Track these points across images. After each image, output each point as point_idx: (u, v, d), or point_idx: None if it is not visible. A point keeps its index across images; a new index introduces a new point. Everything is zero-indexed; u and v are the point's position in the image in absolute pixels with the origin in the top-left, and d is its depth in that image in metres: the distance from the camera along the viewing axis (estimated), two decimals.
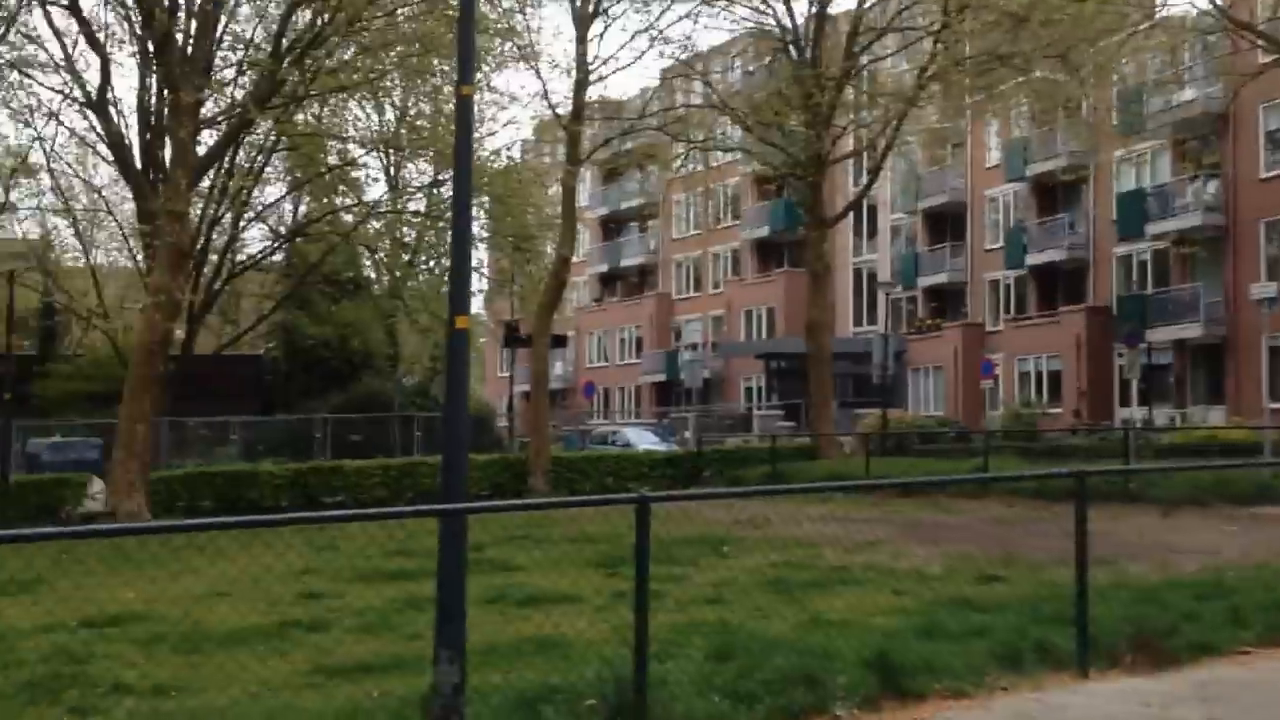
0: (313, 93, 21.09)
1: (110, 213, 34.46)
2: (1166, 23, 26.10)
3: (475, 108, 28.35)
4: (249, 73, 21.84)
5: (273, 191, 41.93)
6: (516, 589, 10.58)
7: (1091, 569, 10.24)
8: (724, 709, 6.05)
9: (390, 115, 30.52)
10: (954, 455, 27.53)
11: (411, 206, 29.87)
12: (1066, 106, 26.79)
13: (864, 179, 31.37)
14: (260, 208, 31.51)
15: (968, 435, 31.96)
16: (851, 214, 39.14)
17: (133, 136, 22.99)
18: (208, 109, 20.74)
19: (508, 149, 31.48)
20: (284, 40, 20.27)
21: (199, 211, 25.28)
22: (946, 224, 46.16)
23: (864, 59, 29.16)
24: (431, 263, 33.60)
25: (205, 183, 24.51)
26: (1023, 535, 12.41)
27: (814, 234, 28.77)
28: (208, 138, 21.26)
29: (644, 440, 36.42)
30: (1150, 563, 11.16)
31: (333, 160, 27.26)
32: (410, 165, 30.81)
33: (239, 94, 21.72)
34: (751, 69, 36.64)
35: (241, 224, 29.53)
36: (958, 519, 16.50)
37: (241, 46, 21.92)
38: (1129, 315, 35.69)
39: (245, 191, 26.90)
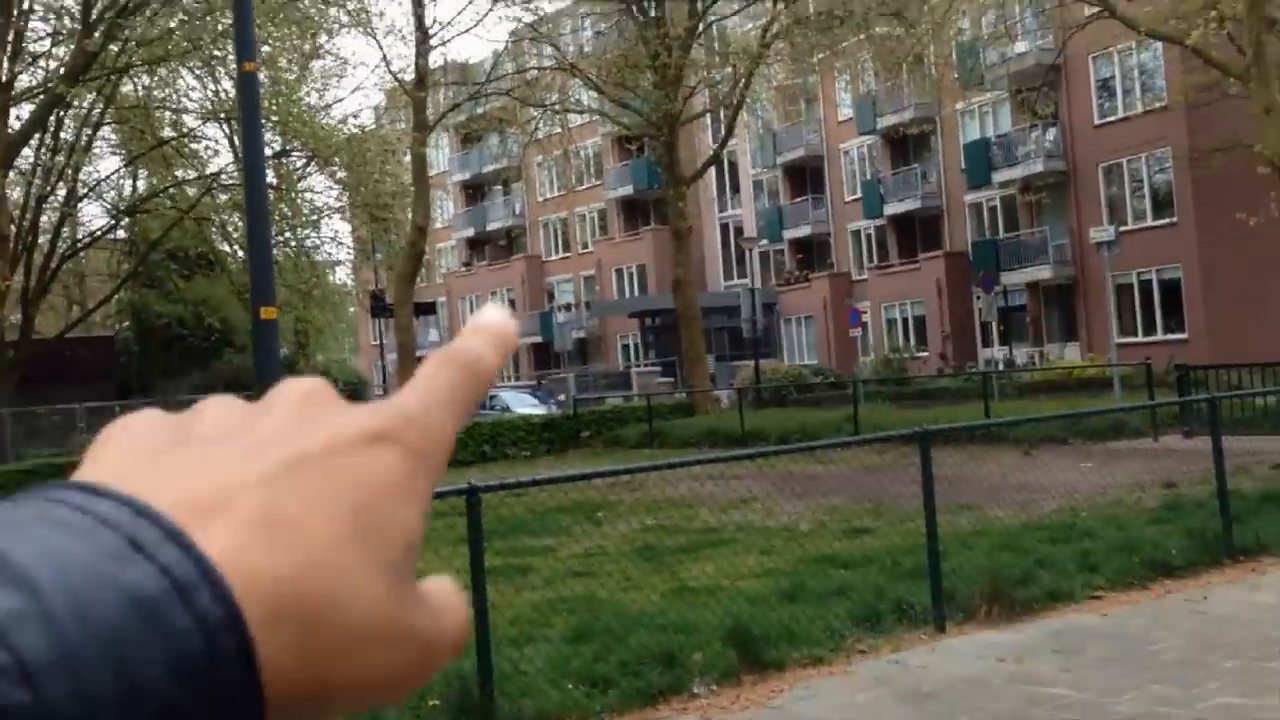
0: (136, 63, 19.96)
1: None
2: None
3: (307, 77, 27.43)
4: (64, 44, 20.61)
5: (107, 166, 39.97)
6: None
7: (954, 516, 10.41)
8: (577, 697, 5.84)
9: (227, 84, 29.26)
10: (829, 403, 27.87)
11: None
12: (908, 61, 27.15)
13: (722, 137, 31.33)
14: (94, 183, 29.99)
15: (841, 383, 32.42)
16: (713, 171, 39.17)
17: None
18: (23, 82, 19.48)
19: (355, 116, 30.57)
20: (93, 10, 19.08)
21: (24, 190, 23.85)
22: (806, 177, 46.65)
23: (709, 18, 29.04)
24: (287, 234, 32.49)
25: (30, 159, 23.11)
26: (892, 483, 12.47)
27: (673, 193, 28.63)
28: (25, 113, 19.99)
29: (522, 404, 36.02)
30: (1010, 506, 11.35)
31: (168, 132, 25.97)
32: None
33: (55, 66, 20.48)
34: (600, 30, 36.19)
35: (74, 201, 27.99)
36: (830, 469, 16.62)
37: (54, 16, 20.62)
38: (983, 260, 36.65)
39: (73, 168, 25.45)
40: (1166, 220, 33.19)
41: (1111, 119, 34.67)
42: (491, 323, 0.42)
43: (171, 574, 0.30)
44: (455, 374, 0.40)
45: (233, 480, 0.34)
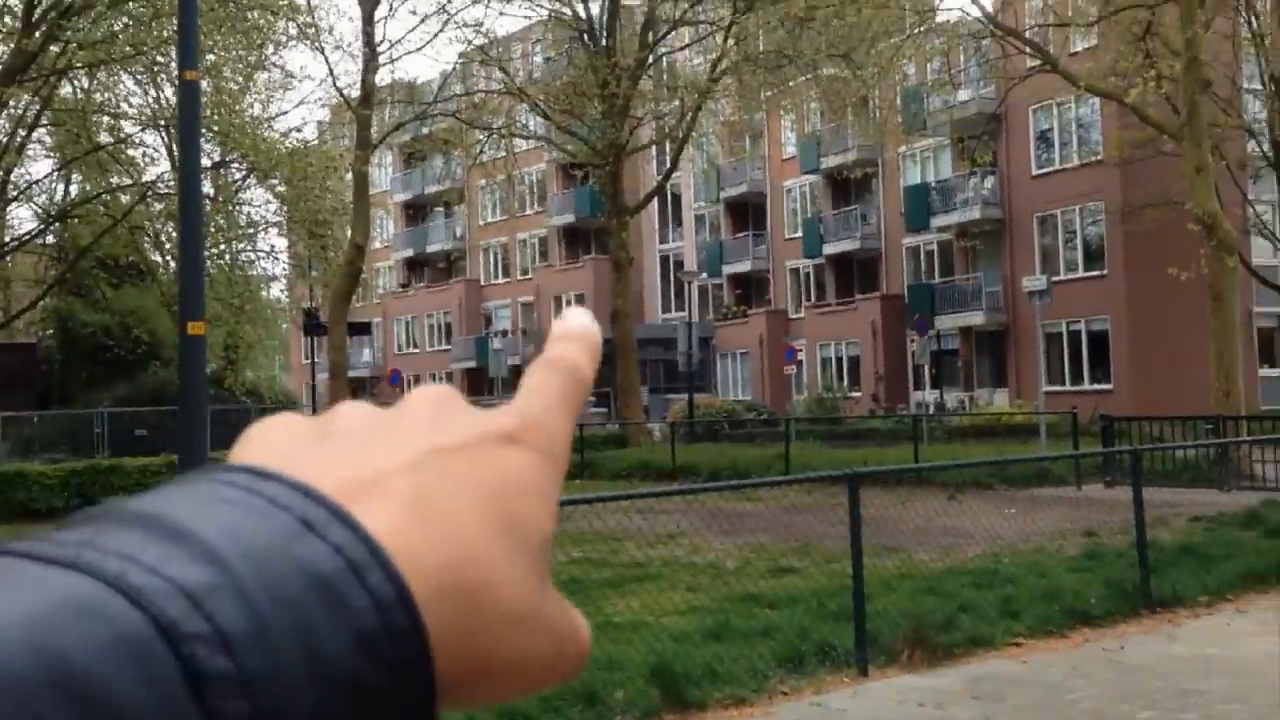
0: (76, 65, 19.59)
1: None
2: (941, 27, 27.16)
3: (251, 88, 27.14)
4: (2, 44, 20.17)
5: (39, 169, 39.18)
6: None
7: (880, 558, 10.47)
8: None
9: (169, 91, 28.83)
10: (761, 440, 27.99)
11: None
12: (853, 103, 27.61)
13: (666, 169, 31.51)
14: (25, 185, 29.32)
15: (774, 420, 32.58)
16: (656, 203, 39.34)
17: None
18: None
19: (298, 130, 30.28)
20: (36, 10, 18.72)
21: None
22: (748, 213, 47.04)
23: (659, 50, 29.29)
24: (221, 246, 32.00)
25: None
26: (819, 523, 12.51)
27: (615, 223, 28.72)
28: None
29: None
30: (935, 549, 11.44)
31: (105, 137, 25.50)
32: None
33: None
34: (550, 56, 36.31)
35: (3, 203, 27.35)
36: (759, 507, 16.67)
37: None
38: (919, 303, 37.19)
39: (3, 169, 24.88)
40: (1097, 272, 33.95)
41: (1048, 170, 35.47)
42: (580, 330, 0.43)
43: (344, 553, 0.31)
44: (563, 381, 0.41)
45: (383, 467, 0.35)
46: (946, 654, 7.30)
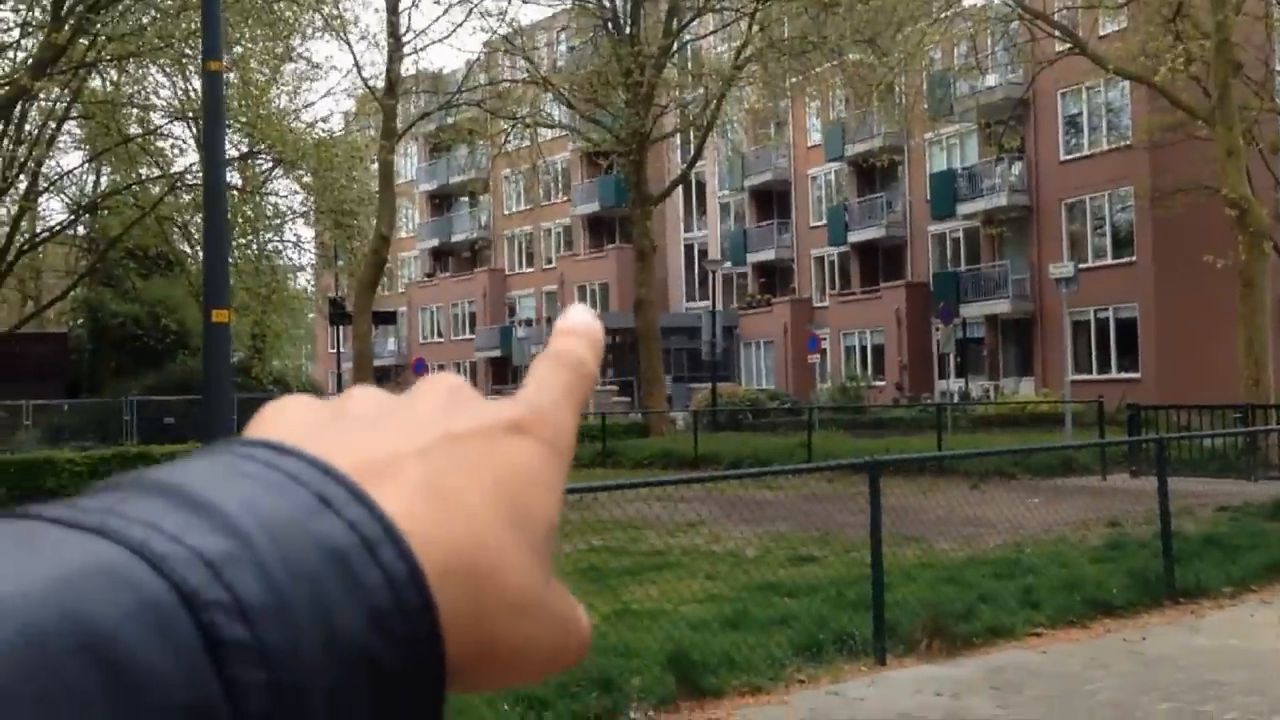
0: (105, 58, 19.74)
1: None
2: (968, 11, 26.93)
3: (278, 80, 27.26)
4: (32, 36, 20.34)
5: (69, 161, 39.52)
6: None
7: (900, 548, 10.44)
8: (513, 719, 5.77)
9: (197, 83, 28.98)
10: (784, 429, 27.94)
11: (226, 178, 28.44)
12: (879, 90, 27.44)
13: (690, 157, 31.45)
14: (56, 177, 29.58)
15: (797, 409, 32.51)
16: (680, 191, 39.31)
17: None
18: None
19: (324, 121, 30.42)
20: (64, 3, 18.85)
21: None
22: (773, 201, 46.88)
23: (684, 37, 29.19)
24: (249, 237, 32.18)
25: None
26: (839, 512, 12.51)
27: (639, 212, 28.67)
28: None
29: None
30: (956, 539, 11.40)
31: (134, 129, 25.68)
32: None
33: (23, 58, 20.19)
34: (574, 45, 36.27)
35: (34, 195, 27.60)
36: (780, 495, 16.65)
37: (24, 6, 20.35)
38: (944, 291, 36.95)
39: (35, 161, 25.11)
40: (1126, 259, 33.63)
41: (1076, 155, 35.12)
42: (584, 325, 0.43)
43: (359, 530, 0.32)
44: (568, 376, 0.41)
45: (395, 451, 0.35)
46: (965, 644, 7.27)
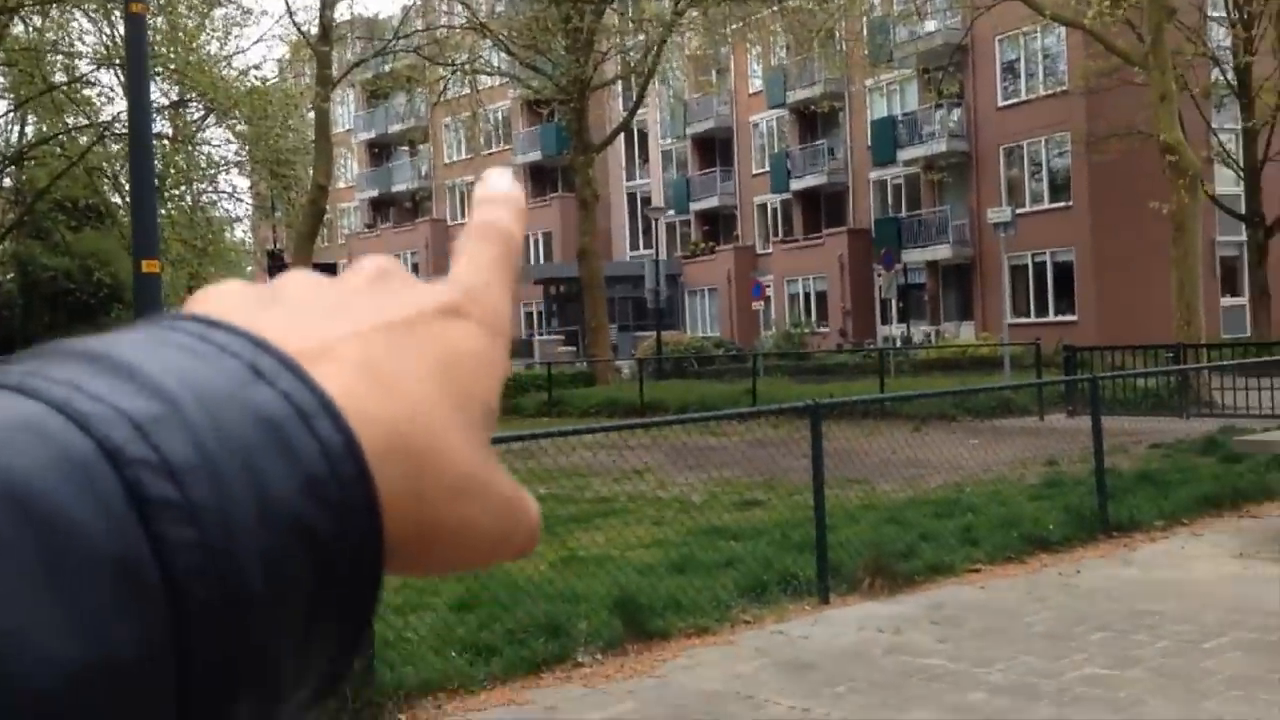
0: (27, 3, 19.10)
1: None
2: None
3: (208, 25, 26.60)
4: None
5: None
6: None
7: (844, 490, 10.58)
8: (461, 665, 5.80)
9: (123, 29, 28.17)
10: (729, 376, 28.07)
11: (155, 129, 27.78)
12: (820, 36, 27.37)
13: (632, 105, 31.23)
14: None
15: (742, 356, 32.70)
16: (622, 140, 39.03)
17: None
18: None
19: (257, 68, 29.77)
20: None
21: None
22: (715, 149, 46.79)
23: None
24: (182, 187, 31.52)
25: None
26: (784, 456, 12.62)
27: (581, 160, 28.46)
28: None
29: None
30: (898, 480, 11.57)
31: (60, 77, 24.97)
32: (152, 84, 28.62)
33: None
34: None
35: None
36: (725, 441, 16.77)
37: None
38: (885, 238, 37.25)
39: None
40: (1062, 204, 34.06)
41: (1014, 101, 35.39)
42: (505, 192, 0.42)
43: (292, 400, 0.31)
44: (497, 250, 0.40)
45: (330, 334, 0.35)
46: (907, 582, 7.41)
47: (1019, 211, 29.07)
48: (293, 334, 0.34)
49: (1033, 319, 33.67)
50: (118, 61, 25.81)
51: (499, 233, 0.41)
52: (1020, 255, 33.28)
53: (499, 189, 0.42)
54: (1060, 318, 33.40)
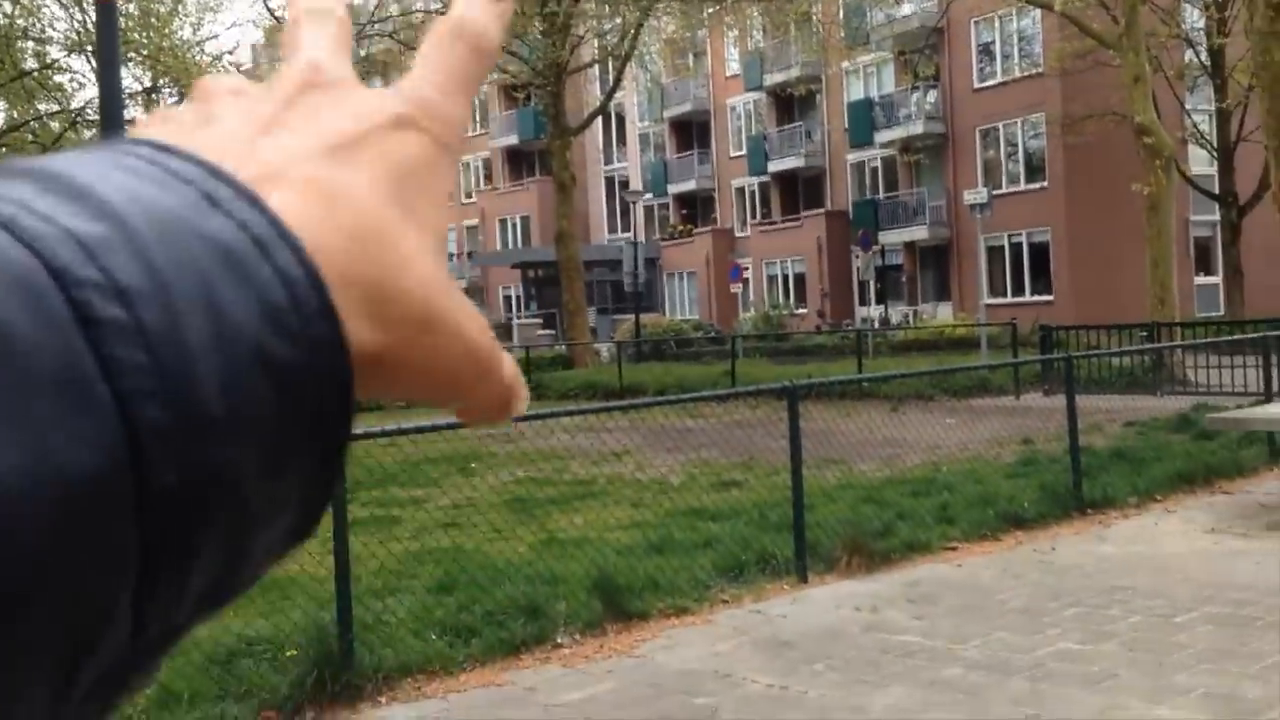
0: None
1: None
2: None
3: (180, 10, 26.38)
4: None
5: None
6: None
7: (822, 470, 10.64)
8: (440, 647, 5.82)
9: (94, 15, 27.89)
10: (708, 358, 28.13)
11: (126, 115, 27.53)
12: (796, 18, 27.36)
13: (609, 88, 31.15)
14: None
15: (720, 338, 32.75)
16: (600, 123, 38.94)
17: None
18: None
19: (230, 53, 29.53)
20: None
21: None
22: (693, 132, 46.74)
23: None
24: None
25: None
26: (763, 437, 12.69)
27: (558, 143, 28.38)
28: None
29: None
30: (876, 460, 11.64)
31: (30, 63, 24.74)
32: (123, 69, 28.36)
33: None
34: None
35: None
36: (703, 423, 16.82)
37: None
38: (863, 219, 37.34)
39: None
40: (1038, 185, 34.21)
41: (990, 83, 35.49)
42: None
43: (250, 230, 0.30)
44: (463, 53, 0.37)
45: (278, 157, 0.33)
46: (884, 560, 7.47)
47: (995, 193, 29.19)
48: (241, 157, 0.32)
49: (1009, 299, 33.85)
50: (89, 47, 25.61)
51: (469, 32, 0.37)
52: (997, 236, 33.42)
53: None
54: (1036, 298, 33.59)
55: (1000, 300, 33.18)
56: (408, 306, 0.33)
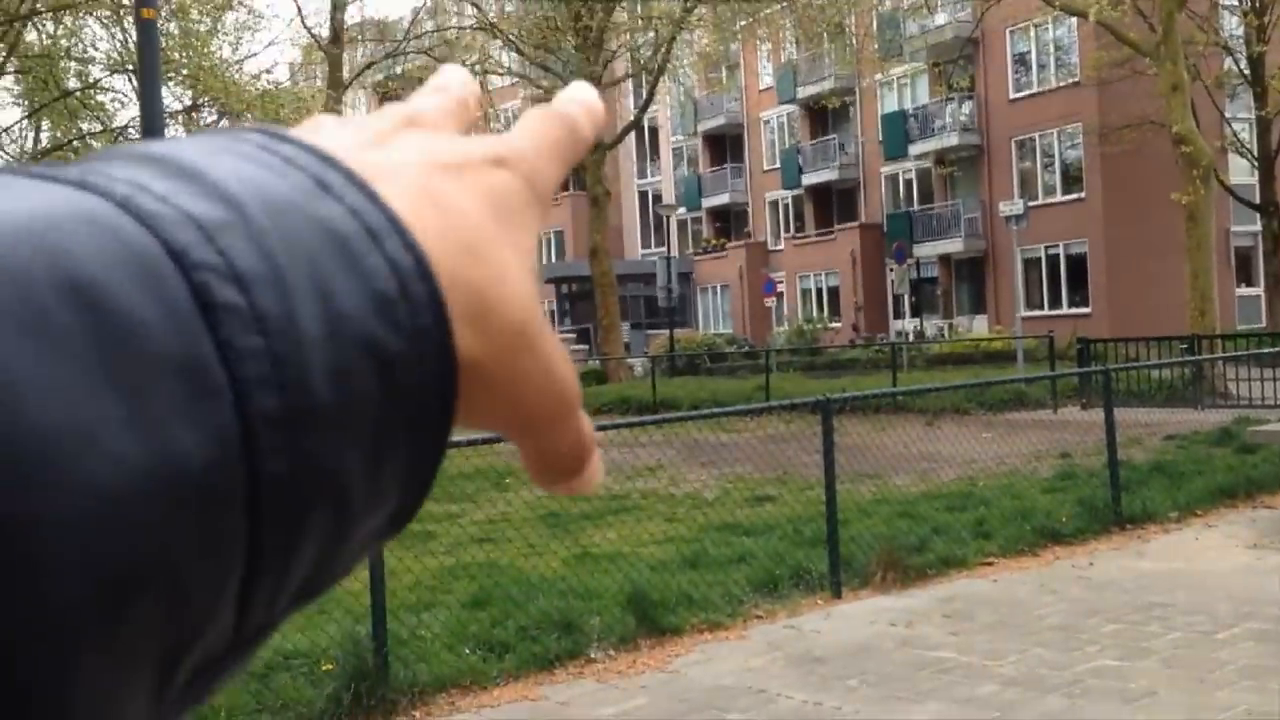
0: (40, 10, 19.25)
1: None
2: None
3: (220, 29, 26.74)
4: None
5: (8, 117, 38.64)
6: None
7: (856, 484, 10.59)
8: (474, 662, 5.84)
9: (136, 34, 28.32)
10: (742, 373, 28.08)
11: (169, 133, 27.93)
12: (830, 31, 27.34)
13: (642, 102, 31.25)
14: None
15: (754, 352, 32.70)
16: (633, 138, 39.03)
17: None
18: None
19: (269, 72, 29.89)
20: None
21: None
22: (726, 146, 46.77)
23: None
24: None
25: None
26: (798, 452, 12.65)
27: (592, 158, 28.45)
28: None
29: None
30: (911, 475, 11.57)
31: (73, 83, 25.15)
32: (164, 88, 28.75)
33: None
34: None
35: None
36: (737, 438, 16.78)
37: None
38: (897, 232, 37.17)
39: None
40: (1075, 195, 33.93)
41: (1026, 93, 35.27)
42: (584, 96, 0.40)
43: (361, 216, 0.30)
44: (559, 130, 0.38)
45: (389, 161, 0.33)
46: (919, 575, 7.42)
47: (1031, 204, 28.94)
48: (351, 155, 0.32)
49: (1046, 311, 33.57)
50: (130, 67, 25.98)
51: (566, 120, 0.38)
52: (1033, 248, 33.18)
53: (581, 93, 0.40)
54: (1074, 310, 33.28)
55: (1037, 313, 32.90)
56: (507, 318, 0.32)
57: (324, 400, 0.27)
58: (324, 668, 5.54)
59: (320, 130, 0.35)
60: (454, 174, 0.34)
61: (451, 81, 0.40)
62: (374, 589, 5.62)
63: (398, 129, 0.35)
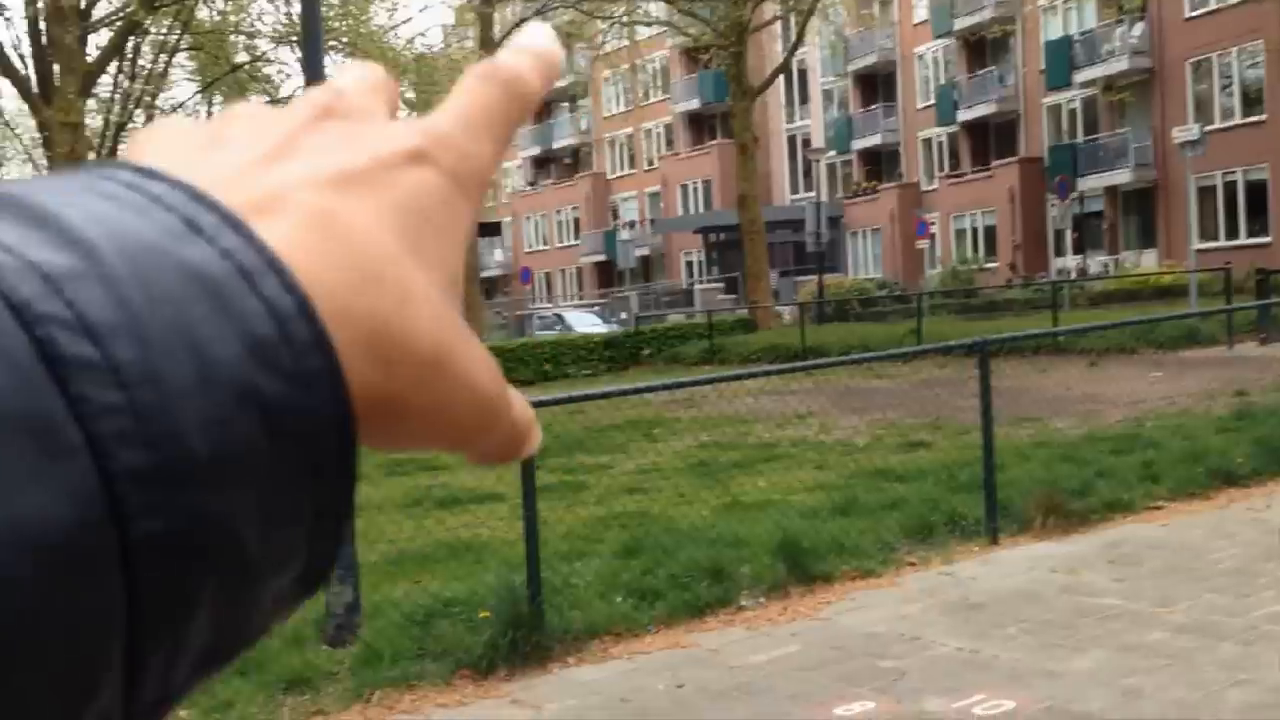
0: None
1: (9, 126, 33.06)
2: None
3: None
4: None
5: (183, 92, 40.54)
6: (440, 489, 10.39)
7: (1015, 428, 10.28)
8: (625, 610, 5.91)
9: (298, 6, 29.22)
10: (893, 318, 27.56)
11: None
12: None
13: (791, 44, 30.69)
14: (170, 109, 30.31)
15: (906, 296, 32.03)
16: (781, 81, 38.39)
17: (26, 47, 21.89)
18: (99, 10, 19.71)
19: (422, 35, 30.45)
20: None
21: (103, 118, 24.21)
22: (877, 85, 45.57)
23: None
24: None
25: (108, 87, 23.50)
26: (952, 396, 12.35)
27: (740, 104, 28.17)
28: (104, 41, 20.25)
29: (583, 323, 36.17)
30: (1073, 417, 11.18)
31: (241, 57, 26.15)
32: (326, 58, 29.63)
33: None
34: None
35: None
36: (889, 384, 16.48)
37: None
38: (1060, 165, 35.65)
39: (150, 94, 25.81)
40: (1255, 118, 31.92)
41: (1202, 11, 33.16)
42: (535, 42, 0.37)
43: (234, 257, 0.28)
44: (494, 93, 0.35)
45: (281, 183, 0.31)
46: (1081, 520, 7.17)
47: (1207, 129, 27.33)
48: (238, 183, 0.30)
49: (1222, 243, 31.78)
50: (294, 38, 26.84)
51: (504, 76, 0.35)
52: (1209, 175, 31.39)
53: (529, 39, 0.37)
54: (1252, 240, 31.42)
55: (1211, 245, 31.16)
56: (415, 347, 0.30)
57: (200, 453, 0.26)
58: (481, 615, 5.70)
59: (224, 139, 0.33)
60: (356, 187, 0.31)
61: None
62: (528, 539, 5.73)
63: (311, 125, 0.33)
